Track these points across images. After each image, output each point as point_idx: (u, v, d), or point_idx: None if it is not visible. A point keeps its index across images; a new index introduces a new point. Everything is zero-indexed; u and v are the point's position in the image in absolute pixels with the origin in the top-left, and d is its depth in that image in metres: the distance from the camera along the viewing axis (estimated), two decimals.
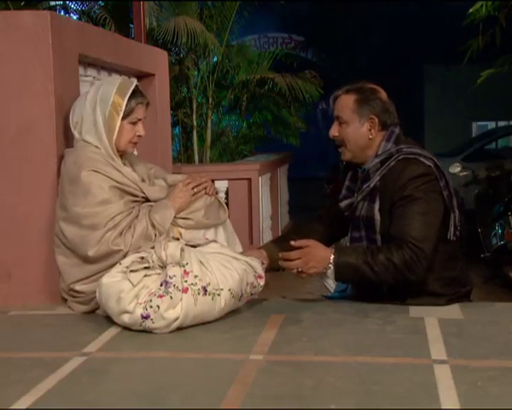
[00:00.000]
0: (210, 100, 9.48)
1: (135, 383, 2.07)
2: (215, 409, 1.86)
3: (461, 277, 2.92)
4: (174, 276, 2.53)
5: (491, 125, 18.22)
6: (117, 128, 2.86)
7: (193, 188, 2.96)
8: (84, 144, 2.89)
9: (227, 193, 7.02)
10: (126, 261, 2.64)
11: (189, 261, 2.57)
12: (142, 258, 2.64)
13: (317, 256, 2.74)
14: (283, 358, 2.27)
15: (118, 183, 2.84)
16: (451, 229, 2.78)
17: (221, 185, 6.93)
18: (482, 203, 7.88)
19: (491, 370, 2.08)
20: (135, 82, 3.06)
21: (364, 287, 2.86)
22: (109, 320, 2.67)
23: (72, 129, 2.94)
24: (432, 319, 2.61)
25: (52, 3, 9.53)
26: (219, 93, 9.96)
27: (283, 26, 19.11)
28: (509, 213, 6.62)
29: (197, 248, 2.69)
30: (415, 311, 2.73)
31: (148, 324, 2.50)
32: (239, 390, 1.97)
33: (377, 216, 2.80)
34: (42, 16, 3.00)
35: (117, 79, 3.02)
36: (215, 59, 9.73)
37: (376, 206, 2.81)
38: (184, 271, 2.55)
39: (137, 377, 2.12)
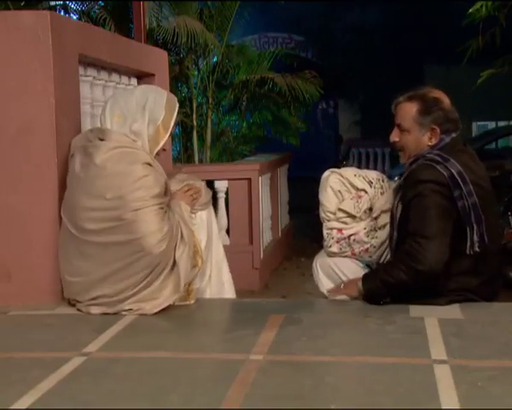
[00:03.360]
0: (210, 100, 9.47)
1: (135, 383, 2.07)
2: (215, 409, 1.86)
3: (479, 290, 2.85)
4: (357, 242, 3.12)
5: (491, 125, 18.21)
6: (161, 144, 3.00)
7: (191, 195, 3.13)
8: (128, 140, 2.91)
9: (227, 193, 7.01)
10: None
11: None
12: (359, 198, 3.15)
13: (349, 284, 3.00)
14: (283, 358, 2.27)
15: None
16: (469, 243, 2.75)
17: (221, 185, 6.92)
18: None
19: (491, 370, 2.08)
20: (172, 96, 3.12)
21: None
22: (109, 320, 2.68)
23: (109, 118, 2.95)
24: (432, 319, 2.61)
25: (52, 3, 9.52)
26: (219, 93, 9.95)
27: (283, 26, 19.10)
28: (509, 213, 6.61)
29: None
30: (415, 311, 2.73)
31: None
32: (239, 390, 1.97)
33: (395, 213, 2.89)
34: (42, 16, 3.00)
35: (163, 91, 3.09)
36: (215, 59, 9.72)
37: (396, 204, 2.91)
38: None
39: (137, 377, 2.12)
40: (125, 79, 3.91)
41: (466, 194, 2.75)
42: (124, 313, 2.77)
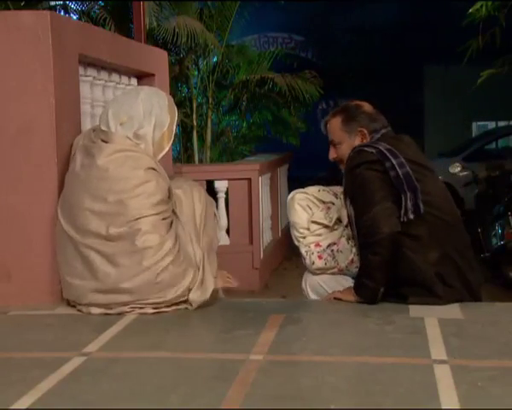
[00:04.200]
0: (210, 100, 9.47)
1: (135, 383, 2.07)
2: (215, 409, 1.86)
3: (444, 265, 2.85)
4: (340, 252, 3.11)
5: (491, 125, 18.21)
6: (166, 149, 3.01)
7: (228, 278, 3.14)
8: (132, 143, 2.90)
9: (227, 193, 7.02)
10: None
11: None
12: (328, 209, 3.20)
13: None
14: (283, 358, 2.27)
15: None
16: (403, 210, 2.81)
17: (221, 185, 6.93)
18: (482, 203, 7.88)
19: (491, 370, 2.08)
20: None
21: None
22: (109, 320, 2.68)
23: (113, 122, 2.91)
24: (432, 319, 2.61)
25: (52, 3, 9.52)
26: (219, 93, 9.95)
27: (283, 26, 19.11)
28: (509, 213, 6.62)
29: None
30: (415, 311, 2.73)
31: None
32: (239, 390, 1.97)
33: (350, 212, 2.95)
34: (42, 16, 3.00)
35: (163, 94, 3.07)
36: (215, 59, 9.73)
37: (348, 204, 2.96)
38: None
39: (137, 377, 2.12)
40: (125, 78, 3.91)
41: (397, 165, 2.83)
42: (125, 313, 2.77)
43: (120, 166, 2.83)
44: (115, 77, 3.80)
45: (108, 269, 2.75)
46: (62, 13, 9.17)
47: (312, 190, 3.31)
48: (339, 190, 3.27)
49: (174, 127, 3.02)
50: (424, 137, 18.25)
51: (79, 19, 8.83)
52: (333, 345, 2.37)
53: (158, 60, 4.31)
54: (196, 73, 9.68)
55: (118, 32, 7.91)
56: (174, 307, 2.80)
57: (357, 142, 3.02)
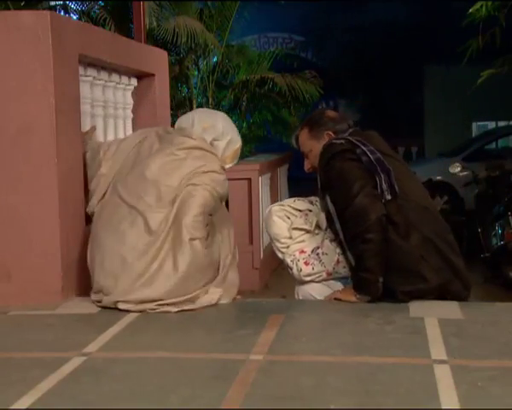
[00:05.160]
0: (210, 100, 9.48)
1: (135, 383, 2.07)
2: (215, 409, 1.86)
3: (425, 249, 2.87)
4: (325, 254, 3.06)
5: (491, 125, 18.20)
6: (227, 167, 3.23)
7: None
8: (211, 147, 3.12)
9: None
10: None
11: None
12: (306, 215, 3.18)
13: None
14: (283, 358, 2.27)
15: None
16: (379, 191, 2.85)
17: None
18: (482, 203, 7.88)
19: (491, 370, 2.08)
20: None
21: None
22: (109, 320, 2.68)
23: (198, 124, 3.14)
24: (432, 319, 2.61)
25: (52, 3, 9.54)
26: (219, 93, 9.96)
27: (283, 26, 19.11)
28: (509, 213, 6.62)
29: None
30: (415, 311, 2.73)
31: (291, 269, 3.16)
32: (239, 390, 1.97)
33: (330, 208, 2.98)
34: (42, 16, 3.00)
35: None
36: (215, 59, 9.73)
37: (327, 200, 3.00)
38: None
39: (137, 377, 2.12)
40: (125, 78, 3.91)
41: (368, 151, 2.90)
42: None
43: (198, 158, 3.01)
44: (115, 77, 3.80)
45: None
46: (62, 13, 9.18)
47: (288, 201, 3.32)
48: (313, 198, 3.29)
49: (238, 153, 3.27)
50: (424, 137, 18.25)
51: (79, 19, 8.84)
52: (333, 345, 2.37)
53: (158, 60, 4.31)
54: (196, 73, 9.69)
55: (118, 32, 7.91)
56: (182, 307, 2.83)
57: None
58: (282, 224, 3.22)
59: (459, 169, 10.64)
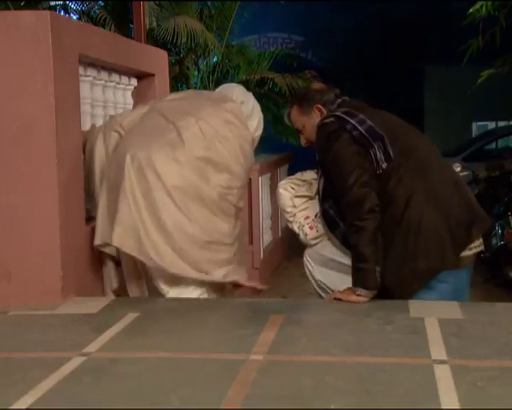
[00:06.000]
0: None
1: (135, 383, 2.07)
2: (215, 409, 1.86)
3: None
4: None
5: (491, 125, 18.20)
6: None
7: None
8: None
9: None
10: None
11: None
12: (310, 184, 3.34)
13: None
14: (283, 358, 2.27)
15: None
16: (375, 164, 2.91)
17: None
18: (482, 203, 7.87)
19: (491, 370, 2.08)
20: None
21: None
22: (109, 320, 2.68)
23: (235, 95, 3.34)
24: (432, 319, 2.61)
25: (52, 3, 9.54)
26: None
27: (283, 26, 19.10)
28: (509, 213, 6.62)
29: None
30: (415, 311, 2.73)
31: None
32: (239, 390, 1.97)
33: (321, 184, 3.11)
34: (42, 16, 2.99)
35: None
36: (215, 59, 9.73)
37: (319, 177, 3.14)
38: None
39: (137, 377, 2.12)
40: (125, 79, 3.92)
41: (357, 123, 2.95)
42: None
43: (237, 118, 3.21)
44: (115, 77, 3.80)
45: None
46: (62, 13, 9.18)
47: (297, 174, 3.49)
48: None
49: (258, 140, 3.41)
50: None
51: (79, 19, 8.84)
52: (333, 345, 2.37)
53: (158, 60, 4.31)
54: (196, 73, 9.69)
55: (118, 32, 7.91)
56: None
57: (317, 119, 3.13)
58: (287, 194, 3.40)
59: (459, 169, 10.60)
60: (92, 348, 2.39)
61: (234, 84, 3.56)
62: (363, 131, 2.93)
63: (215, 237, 3.05)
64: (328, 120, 3.03)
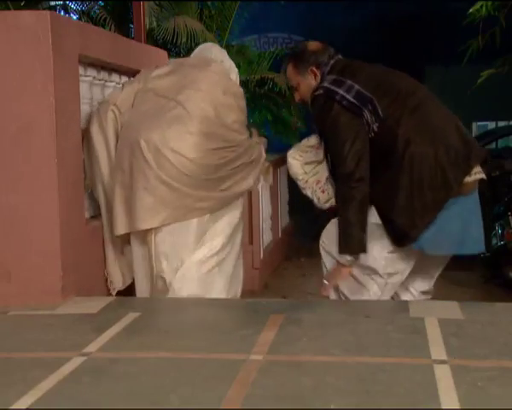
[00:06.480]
0: None
1: (135, 383, 2.08)
2: (215, 409, 1.86)
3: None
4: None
5: (491, 125, 18.19)
6: None
7: None
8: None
9: None
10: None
11: None
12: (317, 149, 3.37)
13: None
14: (283, 358, 2.27)
15: None
16: (367, 128, 3.00)
17: None
18: (482, 203, 7.86)
19: (491, 370, 2.08)
20: None
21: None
22: (109, 320, 2.68)
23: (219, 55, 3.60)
24: (432, 319, 2.61)
25: (52, 3, 9.54)
26: None
27: (283, 26, 19.10)
28: (509, 213, 6.61)
29: None
30: (415, 311, 2.73)
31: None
32: (239, 390, 1.97)
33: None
34: (42, 16, 2.99)
35: None
36: None
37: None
38: None
39: (137, 377, 2.12)
40: (125, 79, 3.91)
41: (345, 92, 3.02)
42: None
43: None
44: (115, 77, 3.79)
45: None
46: (62, 13, 9.18)
47: (303, 141, 3.55)
48: None
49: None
50: None
51: (79, 19, 8.84)
52: (333, 345, 2.37)
53: (158, 60, 4.30)
54: None
55: (118, 32, 7.91)
56: None
57: (312, 80, 3.22)
58: (296, 162, 3.46)
59: None
60: (92, 348, 2.39)
61: (209, 44, 3.78)
62: (352, 99, 3.00)
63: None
64: (317, 93, 3.12)
